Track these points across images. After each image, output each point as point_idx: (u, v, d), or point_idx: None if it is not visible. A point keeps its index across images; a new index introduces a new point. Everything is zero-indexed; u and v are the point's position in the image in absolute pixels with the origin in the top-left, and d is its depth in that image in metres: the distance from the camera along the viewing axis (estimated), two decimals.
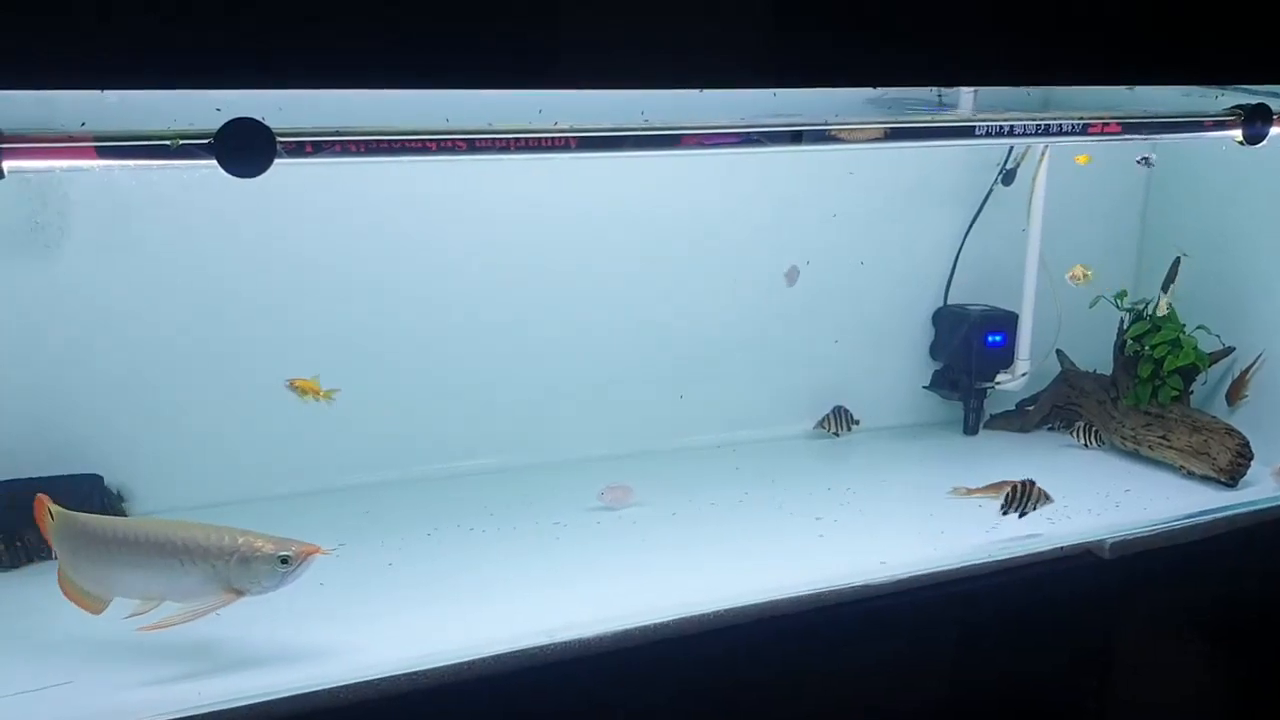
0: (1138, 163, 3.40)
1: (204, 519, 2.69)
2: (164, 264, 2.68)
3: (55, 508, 2.16)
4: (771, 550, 2.68)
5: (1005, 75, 2.53)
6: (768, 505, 2.95)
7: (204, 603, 2.10)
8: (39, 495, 2.18)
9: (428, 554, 2.62)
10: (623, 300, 3.15)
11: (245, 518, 2.71)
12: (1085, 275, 3.32)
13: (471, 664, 2.11)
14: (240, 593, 2.11)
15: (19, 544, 2.51)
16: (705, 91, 2.12)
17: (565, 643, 2.18)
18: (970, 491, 2.97)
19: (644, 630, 2.24)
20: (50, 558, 2.51)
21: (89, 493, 2.62)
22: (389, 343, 2.92)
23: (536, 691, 2.17)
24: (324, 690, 2.01)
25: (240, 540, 2.10)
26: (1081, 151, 3.39)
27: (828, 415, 3.39)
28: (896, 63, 2.33)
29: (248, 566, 2.09)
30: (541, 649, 2.16)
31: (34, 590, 2.42)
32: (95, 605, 2.17)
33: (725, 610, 2.32)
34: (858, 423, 3.40)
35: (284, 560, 2.10)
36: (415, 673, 2.07)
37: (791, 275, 3.25)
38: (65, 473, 2.63)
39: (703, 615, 2.30)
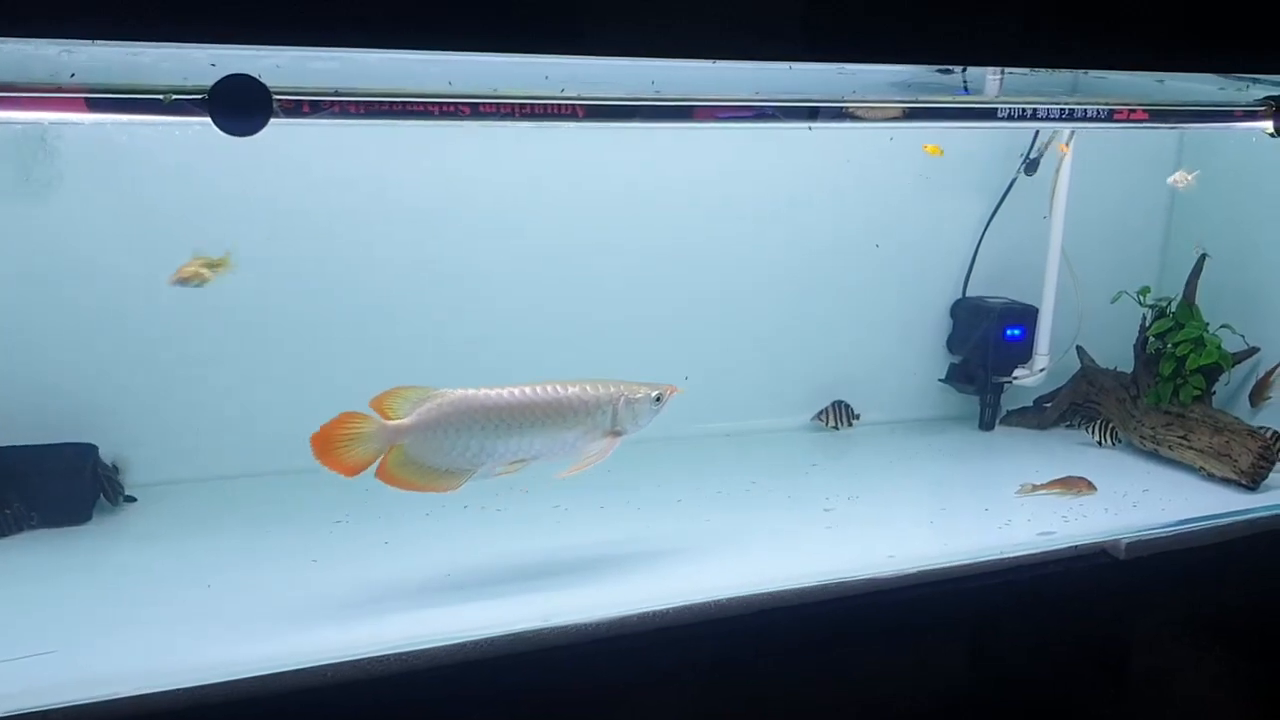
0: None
1: (202, 493, 2.71)
2: (165, 233, 2.63)
3: (412, 388, 2.20)
4: (777, 540, 2.62)
5: (1030, 57, 2.46)
6: (775, 495, 2.89)
7: (598, 447, 2.32)
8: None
9: (425, 534, 2.57)
10: (630, 287, 3.09)
11: (243, 493, 2.72)
12: None
13: (464, 646, 2.06)
14: (619, 434, 2.33)
15: (7, 511, 2.47)
16: (718, 64, 2.05)
17: (561, 627, 2.13)
18: (1036, 488, 2.91)
19: (643, 617, 2.19)
20: (36, 527, 2.48)
21: (83, 462, 2.58)
22: (394, 321, 2.88)
23: (530, 675, 2.11)
24: (313, 668, 1.96)
25: (624, 387, 2.35)
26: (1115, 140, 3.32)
27: (826, 409, 3.33)
28: (921, 41, 2.27)
29: (631, 408, 2.33)
30: (536, 633, 2.11)
31: (29, 557, 2.41)
32: (453, 483, 2.26)
33: (727, 600, 2.26)
34: (858, 417, 3.34)
35: (657, 399, 2.35)
36: (406, 654, 2.02)
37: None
38: (60, 441, 2.59)
39: (704, 604, 2.24)
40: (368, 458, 2.18)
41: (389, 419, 2.18)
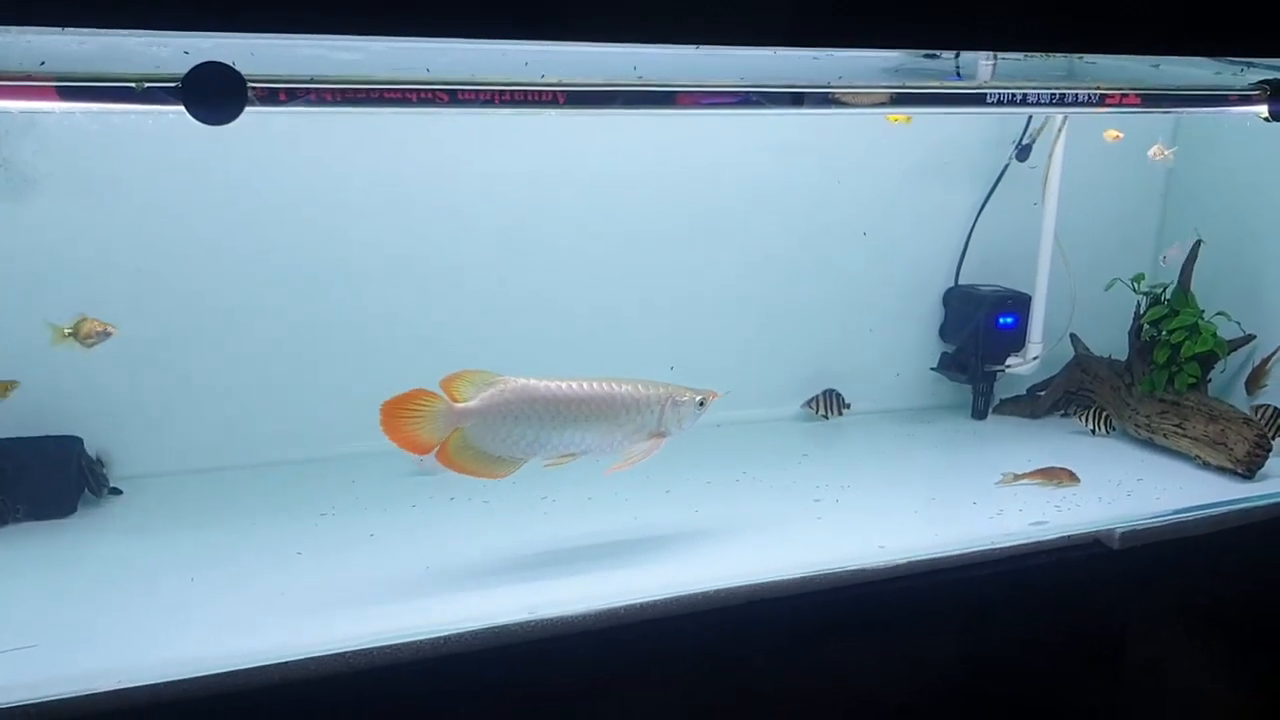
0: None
1: (188, 486, 2.69)
2: (149, 227, 2.62)
3: (477, 373, 2.24)
4: (767, 531, 2.60)
5: (1023, 42, 2.43)
6: (765, 485, 2.87)
7: (642, 447, 2.36)
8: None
9: (412, 527, 2.55)
10: (618, 274, 3.07)
11: (229, 486, 2.71)
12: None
13: (449, 639, 2.04)
14: (663, 435, 2.37)
15: None
16: (702, 49, 2.02)
17: (548, 620, 2.11)
18: (1018, 477, 2.89)
19: (631, 609, 2.17)
20: (22, 519, 2.47)
21: (68, 455, 2.56)
22: (376, 314, 2.85)
23: (516, 669, 2.09)
24: (296, 661, 1.95)
25: (671, 389, 2.38)
26: (1105, 127, 3.29)
27: (817, 397, 3.31)
28: (921, 25, 2.24)
29: (678, 410, 2.36)
30: (523, 625, 2.09)
31: (14, 550, 2.39)
32: (507, 470, 2.30)
33: (716, 591, 2.24)
34: (849, 406, 3.32)
35: (701, 404, 2.39)
36: (391, 647, 2.00)
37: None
38: (45, 434, 2.58)
39: (693, 595, 2.22)
40: (432, 438, 2.20)
41: (456, 401, 2.21)
